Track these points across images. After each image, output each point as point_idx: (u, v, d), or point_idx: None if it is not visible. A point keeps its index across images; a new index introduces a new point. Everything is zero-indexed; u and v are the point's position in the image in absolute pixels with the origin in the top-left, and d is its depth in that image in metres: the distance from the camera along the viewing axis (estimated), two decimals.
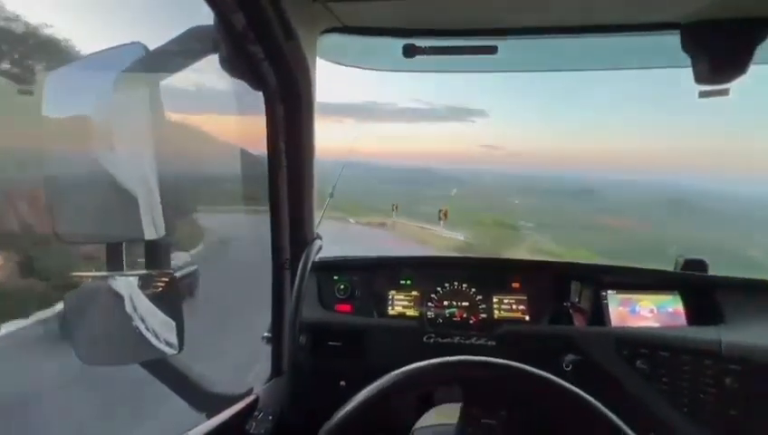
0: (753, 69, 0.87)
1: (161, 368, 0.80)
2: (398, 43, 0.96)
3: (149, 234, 0.73)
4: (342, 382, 0.99)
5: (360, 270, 1.13)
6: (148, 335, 0.75)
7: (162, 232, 0.74)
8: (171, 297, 0.74)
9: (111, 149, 0.72)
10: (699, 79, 0.89)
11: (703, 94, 0.93)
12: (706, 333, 0.88)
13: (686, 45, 0.87)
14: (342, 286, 1.10)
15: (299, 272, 0.83)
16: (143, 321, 0.75)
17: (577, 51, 1.05)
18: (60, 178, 0.70)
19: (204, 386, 0.81)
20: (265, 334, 1.00)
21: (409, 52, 0.96)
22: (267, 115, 0.82)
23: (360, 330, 1.03)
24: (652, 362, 0.88)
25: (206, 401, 0.79)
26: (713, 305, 0.94)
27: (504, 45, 0.96)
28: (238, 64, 0.73)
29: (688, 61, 0.89)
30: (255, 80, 0.77)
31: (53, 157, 0.72)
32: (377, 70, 1.11)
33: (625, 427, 0.47)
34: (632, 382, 0.90)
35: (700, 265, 1.04)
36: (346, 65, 1.06)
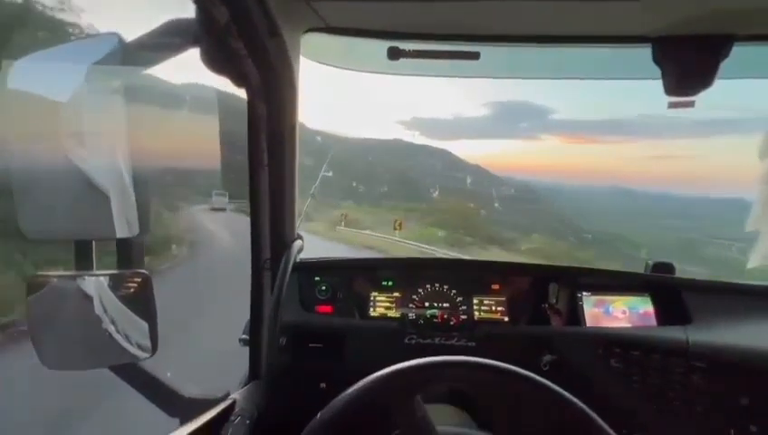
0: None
1: (132, 372, 0.77)
2: (382, 45, 0.96)
3: (122, 232, 0.70)
4: (323, 384, 0.97)
5: (341, 271, 1.12)
6: (119, 338, 0.72)
7: (136, 231, 0.72)
8: (145, 298, 0.72)
9: (81, 143, 0.69)
10: (668, 90, 0.93)
11: (671, 105, 0.97)
12: (674, 333, 0.93)
13: (656, 58, 0.91)
14: (324, 287, 1.09)
15: (279, 273, 0.82)
16: (113, 323, 0.72)
17: (555, 60, 1.08)
18: (24, 171, 0.66)
19: (178, 390, 0.78)
20: (242, 336, 0.97)
21: (394, 54, 0.97)
22: (249, 112, 0.81)
23: (342, 331, 1.02)
24: (625, 361, 0.92)
25: (180, 407, 0.77)
26: (680, 307, 0.99)
27: (486, 52, 0.98)
28: (219, 60, 0.72)
29: (658, 73, 0.94)
30: (237, 76, 0.76)
31: (17, 149, 0.68)
32: (360, 71, 1.11)
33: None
34: (607, 381, 0.93)
35: (668, 267, 1.09)
36: (329, 65, 1.05)
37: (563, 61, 1.09)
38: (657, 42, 0.91)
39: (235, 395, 0.79)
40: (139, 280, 0.72)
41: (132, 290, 0.73)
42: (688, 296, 1.00)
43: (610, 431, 0.45)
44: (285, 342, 0.97)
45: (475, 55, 0.97)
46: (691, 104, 0.96)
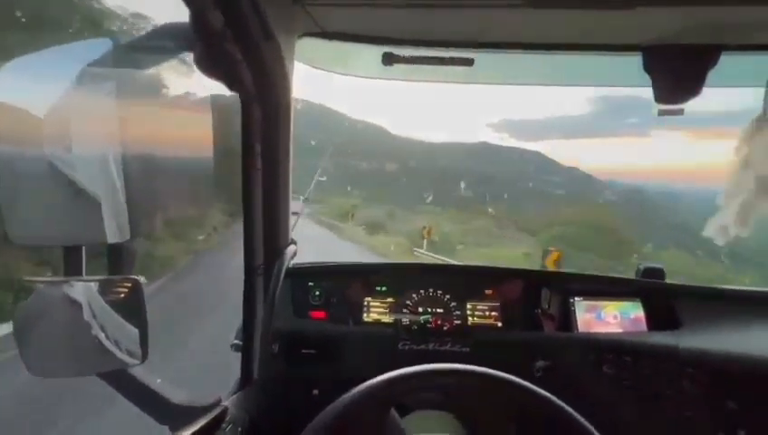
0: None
1: (120, 379, 0.76)
2: (377, 51, 0.97)
3: (112, 236, 0.69)
4: (315, 391, 0.97)
5: (335, 277, 1.11)
6: (108, 345, 0.71)
7: (127, 235, 0.71)
8: (136, 304, 0.71)
9: (71, 145, 0.68)
10: (658, 98, 0.95)
11: (661, 112, 0.99)
12: (665, 338, 0.94)
13: (647, 66, 0.93)
14: (317, 293, 1.08)
15: (273, 278, 0.81)
16: (103, 329, 0.71)
17: (548, 67, 1.09)
18: (13, 173, 0.65)
19: (167, 397, 0.77)
20: (234, 342, 0.96)
21: (388, 60, 0.97)
22: (243, 117, 0.80)
23: (335, 337, 1.02)
24: (617, 366, 0.92)
25: (169, 414, 0.75)
26: (670, 312, 1.00)
27: (480, 58, 0.99)
28: (214, 64, 0.71)
29: (648, 80, 0.95)
30: (232, 81, 0.76)
31: (3, 151, 0.67)
32: (354, 76, 1.11)
33: None
34: (599, 386, 0.93)
35: (658, 273, 1.11)
36: (323, 70, 1.06)
37: (556, 67, 1.10)
38: (648, 51, 0.92)
39: (227, 402, 0.78)
40: (130, 285, 0.71)
41: (123, 295, 0.72)
42: (678, 302, 1.01)
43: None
44: (278, 348, 0.96)
45: (469, 62, 0.98)
46: (680, 112, 0.98)
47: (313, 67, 1.03)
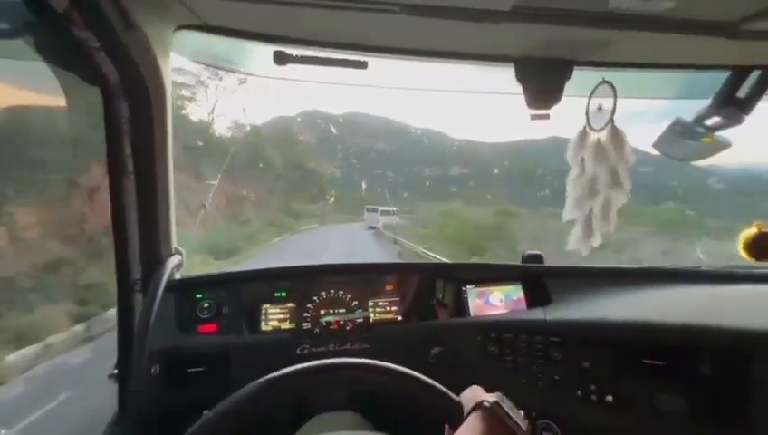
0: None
1: None
2: (268, 48, 0.93)
3: None
4: (206, 411, 0.89)
5: (227, 286, 1.04)
6: None
7: None
8: None
9: None
10: (528, 104, 1.07)
11: (533, 117, 1.12)
12: (536, 314, 1.06)
13: (518, 76, 1.04)
14: (206, 305, 0.99)
15: (149, 293, 0.73)
16: None
17: (438, 73, 1.17)
18: None
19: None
20: (113, 372, 0.84)
21: (280, 59, 0.94)
22: (106, 113, 0.71)
23: (226, 350, 0.94)
24: (499, 344, 1.02)
25: None
26: (543, 291, 1.14)
27: (374, 62, 1.01)
28: (62, 52, 0.62)
29: (521, 89, 1.07)
30: (88, 72, 0.66)
31: None
32: (244, 73, 1.06)
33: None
34: (485, 364, 1.02)
35: (537, 258, 1.25)
36: (209, 65, 0.98)
37: (446, 74, 1.18)
38: (518, 62, 1.04)
39: None
40: None
41: None
42: (549, 281, 1.15)
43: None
44: (159, 370, 0.86)
45: (363, 65, 1.00)
46: (547, 117, 1.12)
47: (197, 62, 0.95)
